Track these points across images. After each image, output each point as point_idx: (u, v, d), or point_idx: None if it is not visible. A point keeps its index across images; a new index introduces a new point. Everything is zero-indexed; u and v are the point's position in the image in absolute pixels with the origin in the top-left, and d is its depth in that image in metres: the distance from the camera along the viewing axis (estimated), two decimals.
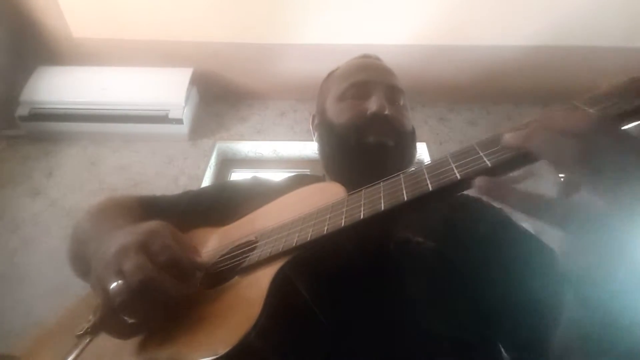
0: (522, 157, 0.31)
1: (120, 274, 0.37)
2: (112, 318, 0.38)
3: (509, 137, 0.31)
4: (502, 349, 0.50)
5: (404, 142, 0.64)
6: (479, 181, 0.30)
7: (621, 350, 0.31)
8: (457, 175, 0.33)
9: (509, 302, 0.46)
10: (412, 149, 0.68)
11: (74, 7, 1.58)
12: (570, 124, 0.29)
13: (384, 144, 0.60)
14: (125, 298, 0.36)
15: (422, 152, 1.72)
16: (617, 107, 0.30)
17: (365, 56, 0.76)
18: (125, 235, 0.42)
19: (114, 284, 0.37)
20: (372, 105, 0.61)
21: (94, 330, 0.39)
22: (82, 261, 0.57)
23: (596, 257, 0.28)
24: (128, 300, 0.36)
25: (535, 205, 0.28)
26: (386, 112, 0.60)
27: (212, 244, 0.55)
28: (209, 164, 1.67)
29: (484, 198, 0.62)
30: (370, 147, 0.60)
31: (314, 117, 0.76)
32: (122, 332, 0.39)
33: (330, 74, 0.76)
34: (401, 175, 0.38)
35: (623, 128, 0.29)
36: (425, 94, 1.79)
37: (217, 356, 0.32)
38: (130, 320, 0.38)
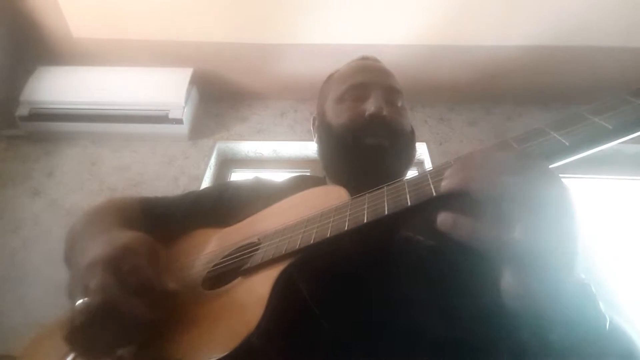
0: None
1: (85, 291, 0.36)
2: (75, 335, 0.36)
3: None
4: (502, 350, 0.50)
5: (402, 143, 0.65)
6: (441, 217, 0.32)
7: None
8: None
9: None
10: (411, 150, 0.68)
11: (74, 7, 1.58)
12: (498, 164, 0.31)
13: (381, 144, 0.61)
14: (86, 317, 0.35)
15: (422, 152, 1.72)
16: (541, 147, 0.32)
17: (364, 58, 0.77)
18: (99, 248, 0.40)
19: (79, 301, 0.35)
20: (370, 106, 0.62)
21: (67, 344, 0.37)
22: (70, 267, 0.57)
23: (534, 291, 0.30)
24: (89, 320, 0.35)
25: (485, 239, 0.30)
26: (384, 113, 0.61)
27: (214, 245, 0.55)
28: (209, 164, 1.67)
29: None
30: (368, 148, 0.61)
31: (314, 119, 0.76)
32: (86, 351, 0.37)
33: (329, 77, 0.77)
34: (404, 180, 0.39)
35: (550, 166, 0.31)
36: (425, 94, 1.79)
37: (218, 357, 0.32)
38: (97, 341, 0.36)
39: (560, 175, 0.31)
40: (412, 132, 0.70)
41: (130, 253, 0.39)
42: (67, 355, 0.42)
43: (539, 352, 0.37)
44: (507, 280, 0.31)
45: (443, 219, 0.32)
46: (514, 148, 0.33)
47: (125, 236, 0.42)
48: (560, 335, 0.31)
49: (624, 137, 0.30)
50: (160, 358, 0.37)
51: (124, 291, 0.36)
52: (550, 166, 0.31)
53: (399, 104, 0.67)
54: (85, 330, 0.35)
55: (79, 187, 1.57)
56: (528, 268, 0.29)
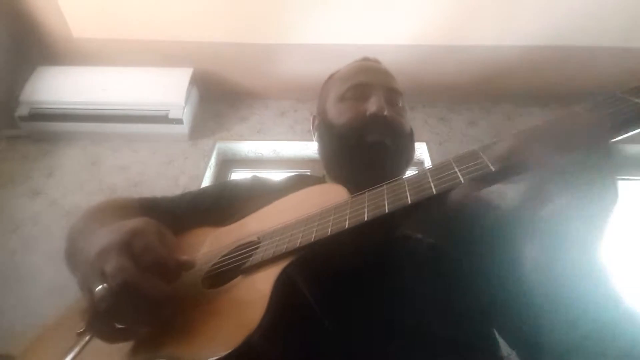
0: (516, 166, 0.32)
1: (103, 276, 0.36)
2: (99, 321, 0.36)
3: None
4: (502, 347, 0.50)
5: (402, 143, 0.65)
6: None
7: (619, 352, 0.32)
8: (461, 179, 0.33)
9: (508, 298, 0.46)
10: (410, 150, 0.69)
11: (74, 7, 1.58)
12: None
13: (382, 143, 0.61)
14: (109, 301, 0.35)
15: (422, 152, 1.72)
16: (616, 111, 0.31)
17: (365, 59, 0.77)
18: (108, 235, 0.40)
19: (98, 288, 0.36)
20: (372, 106, 0.62)
21: (86, 334, 0.38)
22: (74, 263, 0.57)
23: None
24: (112, 303, 0.35)
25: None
26: (385, 113, 0.61)
27: (213, 243, 0.55)
28: (209, 164, 1.67)
29: (483, 195, 0.63)
30: (369, 147, 0.61)
31: (314, 118, 0.77)
32: (111, 336, 0.37)
33: (330, 76, 0.78)
34: (404, 179, 0.39)
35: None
36: (425, 94, 1.79)
37: (220, 356, 0.32)
38: (118, 324, 0.37)
39: None
40: (412, 132, 0.70)
41: (140, 234, 0.40)
42: (66, 354, 0.42)
43: (539, 349, 0.37)
44: (531, 254, 0.34)
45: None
46: (584, 115, 0.33)
47: (131, 221, 0.42)
48: (574, 313, 0.33)
49: (620, 135, 0.30)
50: (162, 357, 0.37)
51: (141, 270, 0.37)
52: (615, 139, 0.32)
53: (400, 105, 0.68)
54: (109, 314, 0.36)
55: (78, 187, 1.56)
56: (553, 244, 0.31)
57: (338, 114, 0.66)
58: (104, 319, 0.36)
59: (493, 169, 0.32)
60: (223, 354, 0.31)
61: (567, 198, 0.30)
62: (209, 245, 0.56)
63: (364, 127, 0.62)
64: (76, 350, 0.41)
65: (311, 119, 0.78)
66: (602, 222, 0.32)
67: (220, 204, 0.67)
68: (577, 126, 0.32)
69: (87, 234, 0.54)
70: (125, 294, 0.35)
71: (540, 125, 0.34)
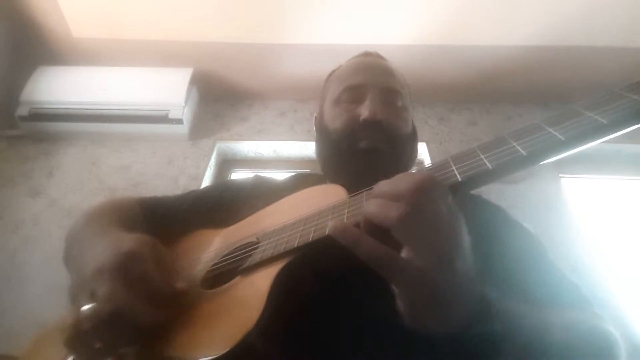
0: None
1: (93, 297, 0.36)
2: (79, 339, 0.36)
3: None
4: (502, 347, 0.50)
5: (400, 145, 0.64)
6: (332, 224, 0.33)
7: None
8: (459, 177, 0.33)
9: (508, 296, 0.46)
10: (410, 151, 0.67)
11: (74, 7, 1.58)
12: (394, 188, 0.32)
13: (375, 148, 0.60)
14: (93, 324, 0.35)
15: (422, 152, 1.72)
16: (537, 142, 0.32)
17: (367, 54, 0.76)
18: (103, 254, 0.40)
19: (85, 307, 0.36)
20: (364, 110, 0.61)
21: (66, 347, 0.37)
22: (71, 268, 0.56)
23: (428, 310, 0.32)
24: (95, 326, 0.35)
25: (379, 259, 0.30)
26: (378, 118, 0.60)
27: (213, 245, 0.55)
28: (209, 164, 1.67)
29: (482, 194, 0.63)
30: (361, 152, 0.60)
31: (316, 117, 0.76)
32: (88, 354, 0.37)
33: (331, 74, 0.77)
34: None
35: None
36: (425, 94, 1.79)
37: (217, 355, 0.32)
38: (97, 344, 0.37)
39: (562, 175, 0.32)
40: (413, 132, 0.69)
41: (136, 258, 0.39)
42: (68, 356, 0.42)
43: (540, 348, 0.37)
44: (398, 302, 0.33)
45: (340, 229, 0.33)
46: (423, 171, 0.34)
47: (129, 239, 0.41)
48: (453, 350, 0.33)
49: (619, 131, 0.30)
50: (161, 356, 0.37)
51: (133, 298, 0.36)
52: (533, 165, 0.32)
53: (399, 104, 0.66)
54: (90, 335, 0.35)
55: (79, 187, 1.56)
56: (416, 285, 0.30)
57: (332, 118, 0.66)
58: (84, 337, 0.36)
59: (490, 167, 0.33)
60: (221, 352, 0.32)
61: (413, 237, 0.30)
62: (210, 246, 0.56)
63: (357, 133, 0.61)
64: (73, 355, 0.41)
65: (314, 118, 0.78)
66: (457, 249, 0.31)
67: (222, 205, 0.66)
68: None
69: (84, 241, 0.53)
70: (113, 319, 0.35)
71: None
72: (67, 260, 0.60)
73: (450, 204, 0.32)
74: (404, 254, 0.30)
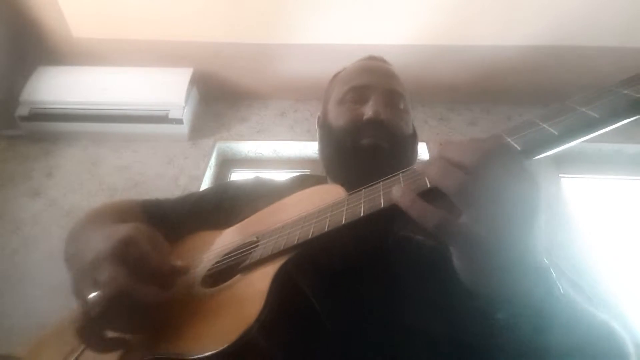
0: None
1: (96, 285, 0.37)
2: (90, 329, 0.37)
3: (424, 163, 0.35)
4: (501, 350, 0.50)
5: (401, 145, 0.65)
6: (395, 190, 0.33)
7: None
8: None
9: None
10: (411, 152, 0.69)
11: (74, 7, 1.58)
12: (459, 155, 0.32)
13: (378, 145, 0.61)
14: (102, 308, 0.35)
15: (422, 152, 1.72)
16: (531, 137, 0.32)
17: (371, 58, 0.77)
18: (100, 242, 0.40)
19: (91, 296, 0.36)
20: (368, 110, 0.62)
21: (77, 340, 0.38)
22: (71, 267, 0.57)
23: (481, 274, 0.32)
24: (105, 311, 0.35)
25: (432, 220, 0.30)
26: (382, 118, 0.62)
27: (215, 245, 0.56)
28: (209, 164, 1.67)
29: None
30: (365, 149, 0.61)
31: (319, 117, 0.77)
32: (100, 344, 0.38)
33: (335, 75, 0.78)
34: (400, 174, 0.39)
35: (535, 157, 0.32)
36: (425, 94, 1.79)
37: (216, 351, 0.32)
38: (109, 332, 0.37)
39: (562, 175, 0.32)
40: (414, 134, 0.70)
41: (132, 242, 0.40)
42: (70, 355, 0.42)
43: (539, 353, 0.37)
44: (455, 262, 0.33)
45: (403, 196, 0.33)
46: (498, 139, 0.34)
47: (124, 227, 0.42)
48: (507, 314, 0.33)
49: (611, 125, 0.31)
50: (162, 353, 0.37)
51: (135, 279, 0.37)
52: (528, 159, 0.32)
53: (401, 107, 0.68)
54: (100, 321, 0.36)
55: (78, 187, 1.57)
56: (474, 251, 0.31)
57: (336, 116, 0.67)
58: (95, 326, 0.36)
59: None
60: (220, 347, 0.32)
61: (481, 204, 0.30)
62: (210, 247, 0.56)
63: (360, 131, 0.62)
64: (79, 351, 0.41)
65: (316, 118, 0.79)
66: (527, 222, 0.31)
67: (223, 206, 0.67)
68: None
69: (85, 239, 0.54)
70: (119, 302, 0.35)
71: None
72: (67, 258, 0.60)
73: (523, 173, 0.31)
74: (462, 219, 0.30)
